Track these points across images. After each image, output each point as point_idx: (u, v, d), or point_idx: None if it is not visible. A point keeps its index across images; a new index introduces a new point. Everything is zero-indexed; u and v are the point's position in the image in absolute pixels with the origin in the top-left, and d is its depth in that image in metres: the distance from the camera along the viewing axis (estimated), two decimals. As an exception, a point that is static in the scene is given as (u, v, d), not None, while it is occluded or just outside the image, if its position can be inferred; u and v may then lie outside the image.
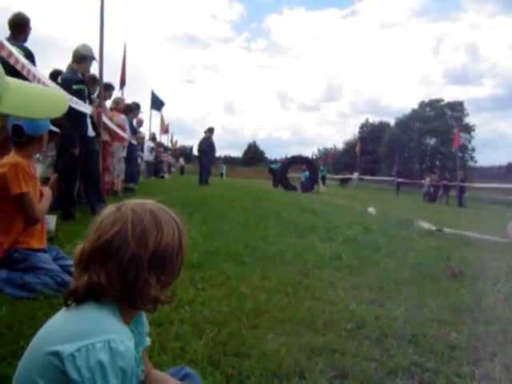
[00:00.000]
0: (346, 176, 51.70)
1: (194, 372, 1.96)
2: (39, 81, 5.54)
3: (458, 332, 3.33)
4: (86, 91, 7.53)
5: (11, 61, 4.55)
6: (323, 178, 46.82)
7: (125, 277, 1.39)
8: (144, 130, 20.21)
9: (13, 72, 5.15)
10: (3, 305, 3.10)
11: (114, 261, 1.39)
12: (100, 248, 1.40)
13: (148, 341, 1.77)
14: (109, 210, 1.48)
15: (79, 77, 7.34)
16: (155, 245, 1.43)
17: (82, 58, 7.40)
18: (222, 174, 47.54)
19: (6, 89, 1.24)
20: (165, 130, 37.64)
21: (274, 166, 46.91)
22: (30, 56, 6.46)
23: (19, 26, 6.78)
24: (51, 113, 1.56)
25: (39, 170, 7.50)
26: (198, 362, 2.48)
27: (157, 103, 27.13)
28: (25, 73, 5.07)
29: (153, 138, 27.48)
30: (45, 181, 7.30)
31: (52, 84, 6.21)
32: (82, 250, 1.45)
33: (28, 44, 6.84)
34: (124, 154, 11.80)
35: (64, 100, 1.58)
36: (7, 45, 4.47)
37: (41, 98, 1.46)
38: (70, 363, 1.24)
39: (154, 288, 1.44)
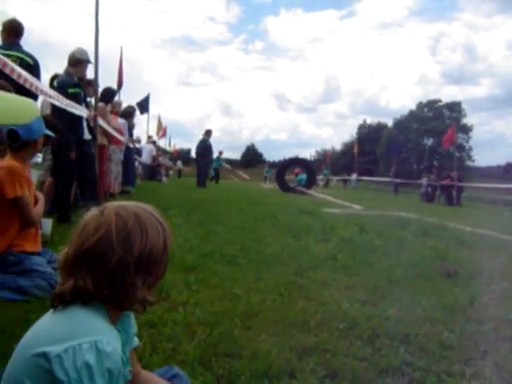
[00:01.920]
0: (345, 177, 51.69)
1: (183, 372, 1.97)
2: (37, 88, 5.55)
3: (450, 331, 3.35)
4: (82, 94, 7.54)
5: (6, 70, 4.57)
6: (327, 180, 47.29)
7: (111, 281, 1.40)
8: (141, 133, 20.20)
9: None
10: (-4, 308, 3.12)
11: (100, 266, 1.39)
12: (84, 254, 1.40)
13: (136, 341, 1.78)
14: (91, 213, 1.48)
15: (75, 80, 7.36)
16: (141, 248, 1.43)
17: (77, 61, 7.43)
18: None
19: None
20: (162, 133, 37.56)
21: (267, 173, 47.03)
22: (36, 65, 6.51)
23: (17, 31, 6.79)
24: (17, 119, 1.59)
25: (37, 174, 7.52)
26: (189, 363, 2.49)
27: (143, 107, 26.99)
28: (21, 81, 5.09)
29: (153, 141, 27.47)
30: (41, 184, 7.34)
31: (49, 90, 6.23)
32: (65, 255, 1.45)
33: (25, 48, 6.86)
34: (121, 157, 11.82)
35: (33, 109, 1.60)
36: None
37: (8, 105, 1.48)
38: (57, 364, 1.26)
39: (141, 290, 1.45)
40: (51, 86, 7.54)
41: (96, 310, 1.41)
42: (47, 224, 5.44)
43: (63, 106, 6.38)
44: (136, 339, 1.78)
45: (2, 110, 1.36)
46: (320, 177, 47.49)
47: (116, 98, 13.00)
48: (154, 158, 24.47)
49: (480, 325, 3.52)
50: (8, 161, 3.79)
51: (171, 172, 40.06)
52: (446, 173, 30.91)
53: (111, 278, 1.39)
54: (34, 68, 6.50)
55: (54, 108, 6.63)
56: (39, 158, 8.97)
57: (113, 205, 1.50)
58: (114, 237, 1.40)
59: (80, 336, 1.30)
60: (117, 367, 1.34)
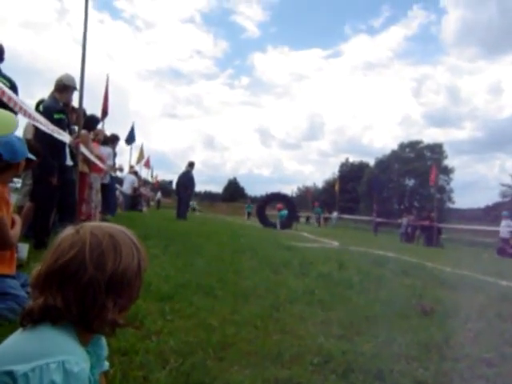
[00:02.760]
0: (326, 215, 51.87)
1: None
2: (25, 112, 5.55)
3: (425, 368, 3.33)
4: (67, 121, 7.54)
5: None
6: (324, 218, 48.17)
7: (82, 300, 1.39)
8: (123, 162, 20.18)
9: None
10: (-35, 330, 3.06)
11: (71, 284, 1.38)
12: (57, 271, 1.39)
13: (106, 365, 1.76)
14: (67, 232, 1.48)
15: (60, 106, 7.37)
16: (113, 268, 1.43)
17: (64, 87, 7.45)
18: (194, 209, 47.11)
19: None
20: (146, 164, 37.60)
21: (248, 209, 47.62)
22: (14, 88, 6.49)
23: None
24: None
25: (15, 198, 7.46)
26: (160, 392, 2.46)
27: (130, 138, 27.17)
28: (11, 105, 5.09)
29: (135, 171, 27.44)
30: (20, 209, 7.28)
31: (37, 114, 6.22)
32: (38, 272, 1.44)
33: (12, 73, 6.86)
34: (106, 181, 11.82)
35: (12, 121, 1.61)
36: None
37: None
38: (23, 383, 1.24)
39: (112, 311, 1.44)
40: (37, 110, 7.54)
41: (66, 330, 1.39)
42: (23, 248, 5.37)
43: (49, 131, 6.37)
44: (106, 363, 1.77)
45: None
46: (312, 214, 48.40)
47: (100, 126, 13.02)
48: (135, 189, 24.39)
49: (455, 363, 3.50)
50: (-13, 182, 3.76)
51: (152, 203, 39.95)
52: (426, 213, 31.14)
53: (82, 296, 1.38)
54: (11, 90, 6.50)
55: (38, 132, 6.61)
56: (18, 183, 8.90)
57: (89, 224, 1.51)
58: (88, 255, 1.39)
59: (48, 355, 1.29)
60: None
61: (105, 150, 12.02)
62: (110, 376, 2.37)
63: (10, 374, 1.26)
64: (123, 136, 24.83)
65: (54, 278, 1.39)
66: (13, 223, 3.95)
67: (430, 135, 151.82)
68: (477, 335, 4.44)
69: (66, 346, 1.35)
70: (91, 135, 10.74)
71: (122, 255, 1.45)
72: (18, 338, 1.41)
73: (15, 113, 5.27)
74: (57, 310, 1.37)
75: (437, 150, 78.44)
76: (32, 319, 1.39)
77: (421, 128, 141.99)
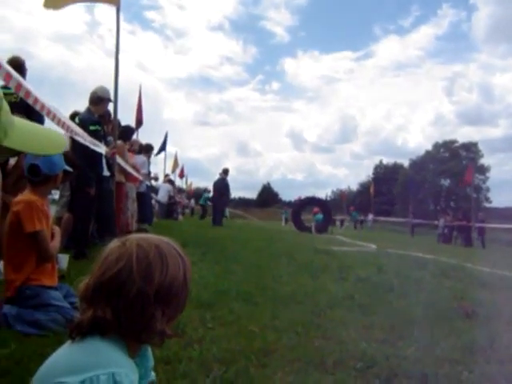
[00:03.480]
0: (361, 217, 51.58)
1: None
2: (64, 124, 5.63)
3: (470, 371, 3.27)
4: (102, 132, 7.65)
5: (30, 100, 4.64)
6: (360, 221, 48.34)
7: (131, 312, 1.40)
8: (158, 171, 20.34)
9: (28, 111, 5.27)
10: (12, 341, 3.11)
11: (120, 296, 1.39)
12: (105, 284, 1.40)
13: (153, 375, 1.77)
14: (113, 244, 1.49)
15: (96, 118, 7.48)
16: (160, 279, 1.43)
17: (98, 99, 7.59)
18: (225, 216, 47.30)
19: (12, 124, 1.29)
20: (180, 173, 37.89)
21: (285, 215, 47.64)
22: None
23: (16, 69, 6.93)
24: (51, 150, 1.62)
25: (53, 210, 7.57)
26: (204, 400, 2.46)
27: (162, 147, 27.56)
28: (50, 117, 5.17)
29: (170, 180, 27.64)
30: (58, 220, 7.39)
31: (75, 126, 6.32)
32: (86, 285, 1.46)
33: (46, 86, 6.99)
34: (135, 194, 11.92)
35: (61, 139, 1.63)
36: (24, 84, 4.56)
37: (42, 136, 1.51)
38: None
39: (160, 322, 1.44)
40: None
41: (115, 342, 1.40)
42: (63, 259, 5.47)
43: (86, 143, 6.47)
44: (153, 373, 1.78)
45: (34, 140, 1.38)
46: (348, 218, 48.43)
47: (134, 136, 13.16)
48: (171, 197, 24.55)
49: (500, 365, 3.44)
50: (27, 195, 3.83)
51: (187, 210, 40.15)
52: (462, 214, 30.70)
53: (131, 308, 1.39)
54: None
55: (74, 144, 6.71)
56: (56, 194, 9.03)
57: (135, 236, 1.51)
58: (135, 267, 1.40)
59: (98, 367, 1.30)
60: None
61: (139, 159, 12.13)
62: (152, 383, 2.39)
63: (62, 385, 1.27)
64: (158, 145, 25.12)
65: (103, 291, 1.40)
66: (52, 235, 4.02)
67: (463, 134, 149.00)
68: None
69: (116, 358, 1.36)
70: (126, 145, 10.85)
71: (168, 266, 1.46)
72: (67, 351, 1.42)
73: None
74: (106, 321, 1.38)
75: (472, 148, 77.44)
76: (81, 331, 1.40)
77: (454, 127, 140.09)
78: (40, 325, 3.46)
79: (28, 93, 4.49)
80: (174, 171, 33.74)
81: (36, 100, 4.69)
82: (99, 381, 1.27)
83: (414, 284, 7.00)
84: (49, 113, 5.09)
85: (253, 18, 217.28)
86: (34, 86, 4.79)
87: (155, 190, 22.38)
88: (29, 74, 7.00)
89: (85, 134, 6.49)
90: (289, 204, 65.12)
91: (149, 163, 13.98)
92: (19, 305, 3.59)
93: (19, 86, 4.30)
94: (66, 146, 1.64)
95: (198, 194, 39.29)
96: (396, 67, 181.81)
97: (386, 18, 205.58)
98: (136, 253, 1.43)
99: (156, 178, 20.32)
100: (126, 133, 10.88)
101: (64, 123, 5.57)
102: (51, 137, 1.56)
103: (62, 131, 5.57)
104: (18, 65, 6.92)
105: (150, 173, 14.53)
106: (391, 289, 6.42)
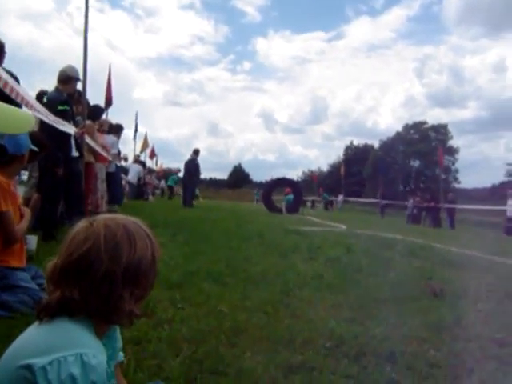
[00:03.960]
0: (331, 198, 51.86)
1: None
2: (28, 103, 5.55)
3: (437, 350, 3.34)
4: (71, 112, 7.54)
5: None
6: (330, 202, 48.64)
7: (98, 292, 1.39)
8: (128, 151, 20.18)
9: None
10: (-21, 323, 3.08)
11: (87, 277, 1.39)
12: (73, 264, 1.39)
13: (121, 356, 1.77)
14: (81, 225, 1.48)
15: (64, 97, 7.37)
16: (128, 259, 1.43)
17: (67, 78, 7.45)
18: (197, 197, 47.60)
19: None
20: (150, 154, 37.61)
21: (257, 196, 48.10)
22: (16, 81, 6.48)
23: None
24: (19, 129, 1.60)
25: (22, 190, 7.47)
26: (174, 380, 2.47)
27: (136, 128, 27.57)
28: (13, 96, 5.09)
29: (140, 161, 27.45)
30: (27, 201, 7.29)
31: (38, 105, 6.22)
32: (54, 265, 1.44)
33: (13, 65, 6.86)
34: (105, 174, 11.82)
35: (30, 118, 1.60)
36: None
37: (9, 115, 1.48)
38: (42, 376, 1.24)
39: (128, 302, 1.44)
40: (39, 101, 7.54)
41: (82, 323, 1.40)
42: (32, 240, 5.39)
43: (50, 122, 6.37)
44: (121, 354, 1.78)
45: (5, 121, 1.37)
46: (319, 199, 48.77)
47: (103, 116, 13.02)
48: (141, 178, 24.39)
49: (467, 343, 3.52)
50: (-8, 176, 3.76)
51: (157, 191, 39.95)
52: (430, 194, 31.04)
53: (98, 289, 1.39)
54: None
55: (43, 124, 6.60)
56: (25, 175, 8.92)
57: (102, 217, 1.51)
58: (103, 248, 1.39)
59: (65, 348, 1.29)
60: (102, 380, 1.33)
61: (109, 139, 12.01)
62: (123, 366, 2.38)
63: (29, 367, 1.26)
64: (127, 125, 24.90)
65: (70, 271, 1.39)
66: (21, 216, 3.96)
67: (433, 116, 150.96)
68: (487, 315, 4.44)
69: (84, 339, 1.36)
70: (96, 125, 10.73)
71: (136, 246, 1.45)
72: (35, 332, 1.41)
73: (19, 105, 5.27)
74: (74, 302, 1.37)
75: (441, 130, 78.31)
76: (49, 313, 1.40)
77: (424, 109, 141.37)
78: (7, 306, 3.42)
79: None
80: (143, 151, 33.45)
81: (6, 84, 4.63)
82: (67, 362, 1.26)
83: (382, 264, 7.07)
84: (6, 85, 5.00)
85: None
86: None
87: (125, 171, 22.21)
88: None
89: (48, 113, 6.38)
90: (260, 185, 65.31)
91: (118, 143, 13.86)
92: (-14, 286, 3.54)
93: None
94: (33, 125, 1.62)
95: (168, 174, 39.00)
96: (367, 48, 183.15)
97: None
98: (104, 233, 1.42)
99: (126, 159, 20.16)
100: (95, 112, 10.77)
101: (23, 98, 5.48)
102: (19, 116, 1.54)
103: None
104: None
105: (119, 153, 14.41)
106: (360, 269, 6.48)
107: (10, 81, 5.15)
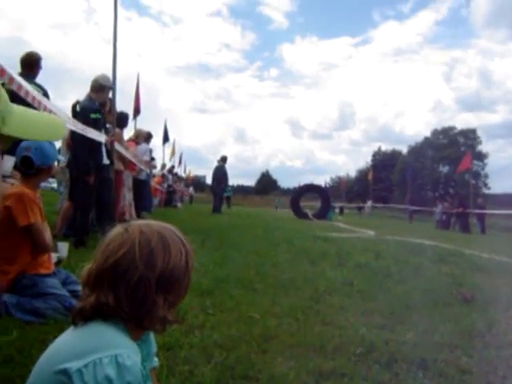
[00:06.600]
0: (360, 204, 51.61)
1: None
2: (51, 112, 5.64)
3: (469, 356, 3.30)
4: (102, 120, 7.64)
5: (21, 93, 4.65)
6: (359, 208, 48.67)
7: (132, 298, 1.41)
8: (156, 159, 20.28)
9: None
10: (14, 329, 3.11)
11: (122, 282, 1.40)
12: (108, 270, 1.41)
13: (156, 361, 1.78)
14: (116, 231, 1.50)
15: (97, 106, 7.47)
16: (163, 266, 1.44)
17: (100, 87, 7.56)
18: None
19: (11, 112, 1.29)
20: (178, 161, 37.98)
21: (278, 202, 48.62)
22: (45, 95, 6.59)
23: (31, 65, 6.95)
24: (51, 136, 1.62)
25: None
26: (205, 385, 2.48)
27: (165, 137, 27.67)
28: (36, 104, 5.18)
29: (169, 169, 27.64)
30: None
31: (64, 115, 6.30)
32: (89, 271, 1.47)
33: (41, 75, 7.00)
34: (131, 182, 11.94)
35: (62, 126, 1.63)
36: (17, 79, 4.57)
37: (42, 123, 1.51)
38: (78, 379, 1.26)
39: (162, 308, 1.45)
40: (73, 111, 7.66)
41: (116, 325, 1.41)
42: (64, 247, 5.47)
43: (79, 131, 6.46)
44: (156, 359, 1.79)
45: (34, 127, 1.38)
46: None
47: (132, 125, 13.16)
48: (170, 185, 24.55)
49: (498, 350, 3.47)
50: (18, 187, 3.79)
51: (186, 198, 40.18)
52: (458, 200, 30.64)
53: (133, 294, 1.40)
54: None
55: (74, 133, 6.69)
56: (54, 183, 9.05)
57: (138, 223, 1.52)
58: (137, 254, 1.41)
59: (100, 350, 1.31)
60: (137, 381, 1.33)
61: (143, 147, 12.15)
62: (156, 372, 2.40)
63: (65, 372, 1.28)
64: (156, 133, 25.12)
65: (105, 277, 1.41)
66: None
67: (462, 120, 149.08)
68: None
69: (118, 340, 1.37)
70: (131, 135, 10.85)
71: (170, 253, 1.47)
72: (69, 337, 1.43)
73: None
74: (108, 307, 1.39)
75: (470, 135, 77.39)
76: (84, 317, 1.42)
77: (453, 113, 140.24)
78: (39, 313, 3.46)
79: (20, 86, 4.51)
80: (171, 159, 33.70)
81: (27, 93, 4.72)
82: (102, 363, 1.27)
83: (412, 270, 7.02)
84: (34, 100, 5.08)
85: (251, 3, 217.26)
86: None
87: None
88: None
89: (75, 121, 6.45)
90: (288, 191, 65.33)
91: (151, 151, 14.01)
92: (17, 294, 3.59)
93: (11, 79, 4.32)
94: (65, 133, 1.65)
95: (196, 181, 39.28)
96: (395, 53, 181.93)
97: (385, 3, 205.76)
98: (138, 239, 1.44)
99: (154, 167, 20.31)
100: (122, 119, 10.86)
101: (51, 111, 5.56)
102: (51, 124, 1.56)
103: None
104: (33, 61, 6.95)
105: (152, 159, 14.56)
106: (390, 275, 6.44)
107: (36, 94, 5.24)
